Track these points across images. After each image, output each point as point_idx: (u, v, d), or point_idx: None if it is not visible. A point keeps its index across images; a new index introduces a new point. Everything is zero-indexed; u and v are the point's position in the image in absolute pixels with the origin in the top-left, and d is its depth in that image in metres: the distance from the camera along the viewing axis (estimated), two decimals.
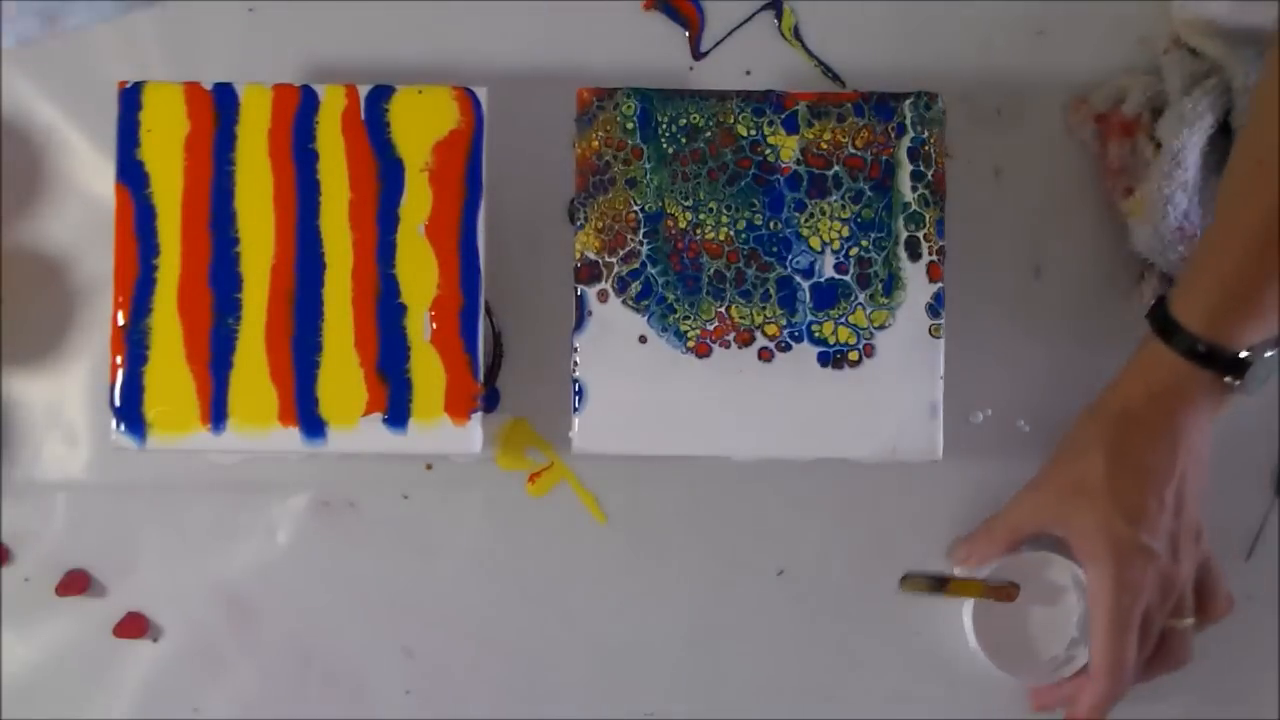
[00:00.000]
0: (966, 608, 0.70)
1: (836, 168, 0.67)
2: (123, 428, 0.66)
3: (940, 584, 0.70)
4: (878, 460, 0.67)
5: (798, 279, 0.66)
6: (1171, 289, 0.66)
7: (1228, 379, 0.64)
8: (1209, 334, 0.63)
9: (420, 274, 0.66)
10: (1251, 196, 0.63)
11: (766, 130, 0.67)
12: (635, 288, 0.67)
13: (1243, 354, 0.63)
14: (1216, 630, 0.69)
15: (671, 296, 0.66)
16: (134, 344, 0.66)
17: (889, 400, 0.66)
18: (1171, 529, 0.65)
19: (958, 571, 0.71)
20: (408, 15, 0.72)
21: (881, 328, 0.66)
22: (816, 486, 0.71)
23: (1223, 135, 0.69)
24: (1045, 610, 0.71)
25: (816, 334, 0.66)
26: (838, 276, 0.66)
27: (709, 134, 0.67)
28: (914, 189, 0.67)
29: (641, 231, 0.67)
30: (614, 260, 0.67)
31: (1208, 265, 0.65)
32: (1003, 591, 0.70)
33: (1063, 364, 0.72)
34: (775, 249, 0.66)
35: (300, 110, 0.66)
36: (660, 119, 0.67)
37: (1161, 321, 0.65)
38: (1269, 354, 0.63)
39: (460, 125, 0.66)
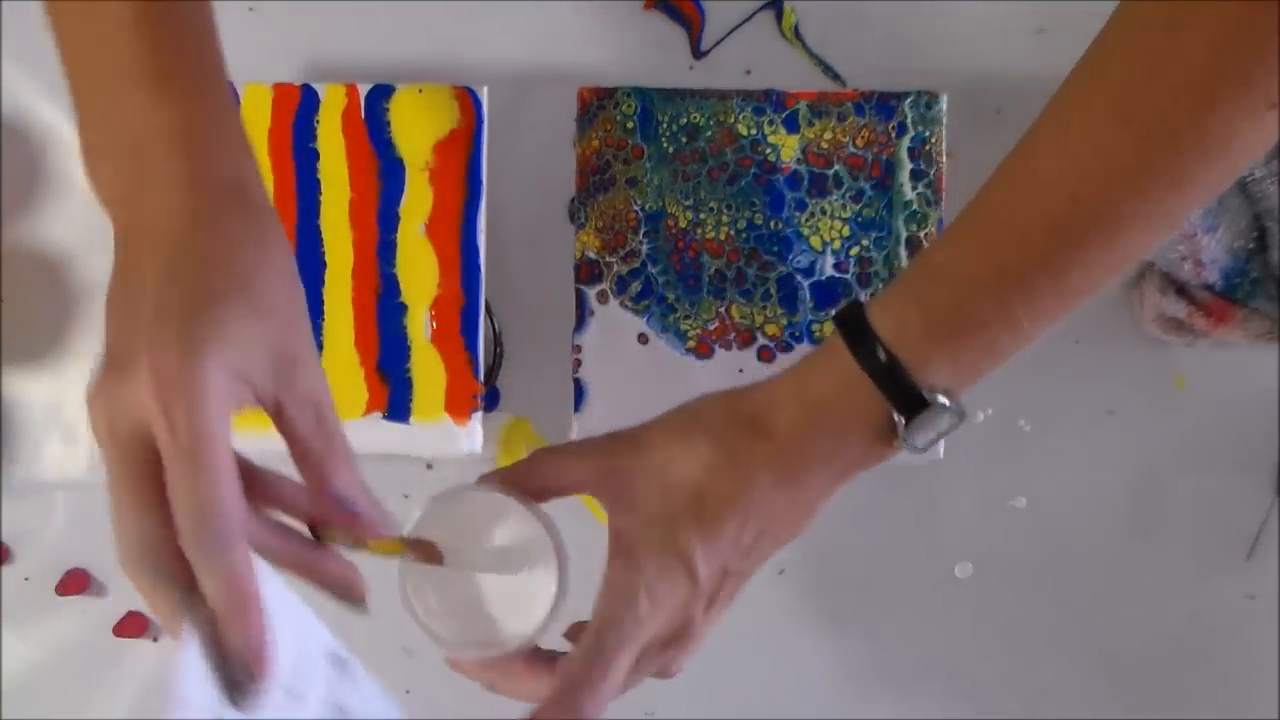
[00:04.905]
0: (405, 571, 0.55)
1: (837, 167, 0.67)
2: None
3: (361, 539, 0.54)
4: None
5: (798, 278, 0.66)
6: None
7: (896, 417, 0.50)
8: (898, 345, 0.50)
9: (420, 273, 0.66)
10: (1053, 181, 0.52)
11: (767, 129, 0.67)
12: (635, 287, 0.66)
13: (925, 392, 0.50)
14: (1217, 630, 0.69)
15: (672, 296, 0.66)
16: None
17: None
18: (729, 565, 0.52)
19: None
20: (408, 15, 0.72)
21: None
22: None
23: None
24: (512, 580, 0.55)
25: (817, 334, 0.66)
26: (838, 276, 0.66)
27: (709, 133, 0.67)
28: (914, 188, 0.67)
29: (642, 231, 0.67)
30: (614, 260, 0.67)
31: (936, 265, 0.52)
32: (422, 550, 0.54)
33: (1063, 364, 0.72)
34: (776, 248, 0.66)
35: (300, 109, 0.66)
36: (660, 118, 0.67)
37: (852, 321, 0.51)
38: (945, 403, 0.50)
39: (460, 124, 0.66)
